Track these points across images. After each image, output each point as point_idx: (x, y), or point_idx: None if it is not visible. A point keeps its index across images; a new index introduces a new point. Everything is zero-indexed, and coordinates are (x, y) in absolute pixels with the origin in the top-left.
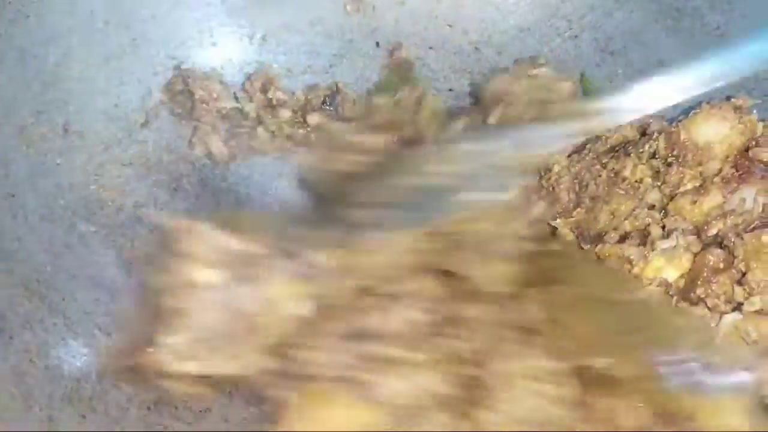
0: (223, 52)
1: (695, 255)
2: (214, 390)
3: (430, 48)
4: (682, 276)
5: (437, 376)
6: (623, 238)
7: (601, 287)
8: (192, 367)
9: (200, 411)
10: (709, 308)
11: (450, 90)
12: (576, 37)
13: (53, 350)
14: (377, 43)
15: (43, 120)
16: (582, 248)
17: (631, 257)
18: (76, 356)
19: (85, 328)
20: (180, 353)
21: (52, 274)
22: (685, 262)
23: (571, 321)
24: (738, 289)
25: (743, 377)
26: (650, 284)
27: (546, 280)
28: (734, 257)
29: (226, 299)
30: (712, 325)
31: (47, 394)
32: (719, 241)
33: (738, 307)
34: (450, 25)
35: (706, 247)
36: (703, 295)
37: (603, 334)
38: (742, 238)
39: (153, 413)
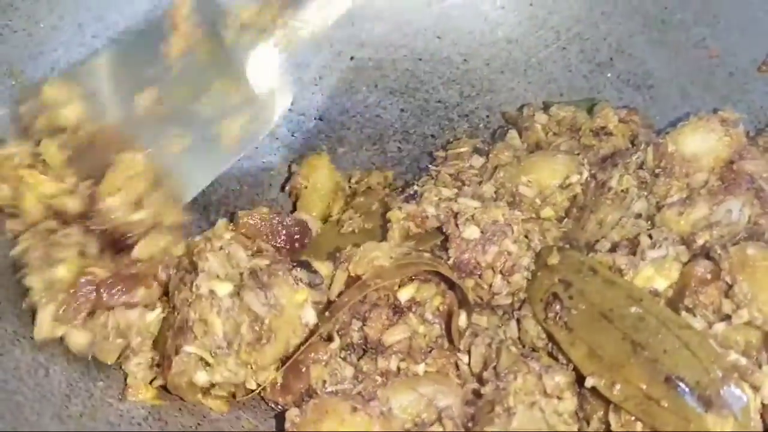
0: None
1: (683, 265)
2: (227, 403)
3: (420, 59)
4: (670, 286)
5: (439, 388)
6: (614, 248)
7: (608, 302)
8: (215, 378)
9: (191, 426)
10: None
11: (439, 101)
12: (563, 48)
13: (42, 367)
14: (351, 57)
15: None
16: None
17: (622, 267)
18: (66, 372)
19: None
20: (204, 363)
21: None
22: (674, 272)
23: (572, 336)
24: (726, 302)
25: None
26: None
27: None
28: (721, 269)
29: (241, 306)
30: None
31: (37, 412)
32: (706, 253)
33: (726, 319)
34: (439, 37)
35: (693, 257)
36: (691, 306)
37: (604, 350)
38: (728, 251)
39: (144, 429)
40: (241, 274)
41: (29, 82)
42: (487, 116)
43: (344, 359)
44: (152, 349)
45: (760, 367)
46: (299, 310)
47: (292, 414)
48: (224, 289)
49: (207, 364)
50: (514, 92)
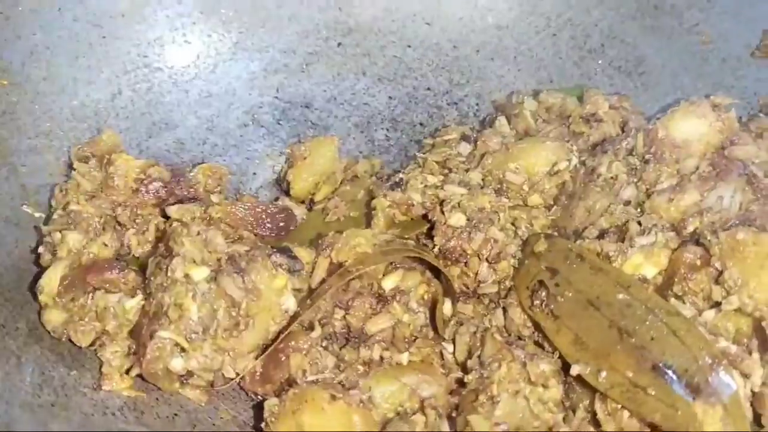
0: (197, 50)
1: (673, 252)
2: (205, 393)
3: (408, 46)
4: (660, 273)
5: (423, 378)
6: (602, 235)
7: (595, 289)
8: (191, 364)
9: (167, 417)
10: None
11: (428, 89)
12: (554, 35)
13: (14, 356)
14: (339, 44)
15: (8, 120)
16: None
17: (610, 253)
18: (39, 361)
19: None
20: (179, 348)
21: (15, 276)
22: (663, 258)
23: (558, 324)
24: (716, 288)
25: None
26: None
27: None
28: (711, 255)
29: (217, 291)
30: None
31: (6, 401)
32: (696, 239)
33: (716, 305)
34: (428, 23)
35: (683, 244)
36: (680, 293)
37: (591, 338)
38: (718, 237)
39: (119, 419)
40: (219, 259)
41: (6, 65)
42: (477, 104)
43: (325, 348)
44: (129, 337)
45: (750, 354)
46: (278, 296)
47: (271, 404)
48: (200, 273)
49: (183, 350)
50: (504, 79)
